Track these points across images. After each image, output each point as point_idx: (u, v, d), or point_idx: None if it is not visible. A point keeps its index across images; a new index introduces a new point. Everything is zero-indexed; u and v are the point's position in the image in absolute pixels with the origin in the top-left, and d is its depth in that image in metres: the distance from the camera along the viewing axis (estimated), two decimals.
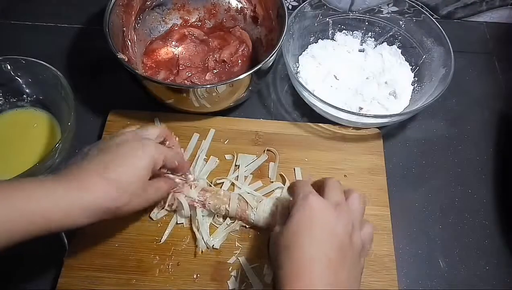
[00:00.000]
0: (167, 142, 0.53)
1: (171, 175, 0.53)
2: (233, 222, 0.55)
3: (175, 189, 0.53)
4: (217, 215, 0.55)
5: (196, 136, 0.62)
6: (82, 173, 0.42)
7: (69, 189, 0.40)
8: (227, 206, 0.53)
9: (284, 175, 0.59)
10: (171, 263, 0.53)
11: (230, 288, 0.51)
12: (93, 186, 0.41)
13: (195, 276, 0.52)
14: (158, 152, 0.46)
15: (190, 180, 0.55)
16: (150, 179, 0.46)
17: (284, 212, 0.47)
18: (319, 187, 0.46)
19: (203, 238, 0.53)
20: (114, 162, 0.43)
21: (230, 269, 0.52)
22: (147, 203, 0.46)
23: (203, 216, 0.54)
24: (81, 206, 0.40)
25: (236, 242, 0.54)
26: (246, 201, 0.53)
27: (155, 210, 0.55)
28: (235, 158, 0.60)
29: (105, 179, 0.42)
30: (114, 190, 0.42)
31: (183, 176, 0.54)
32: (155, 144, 0.47)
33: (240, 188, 0.57)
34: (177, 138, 0.55)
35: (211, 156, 0.60)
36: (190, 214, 0.55)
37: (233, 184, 0.58)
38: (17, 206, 0.38)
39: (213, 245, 0.53)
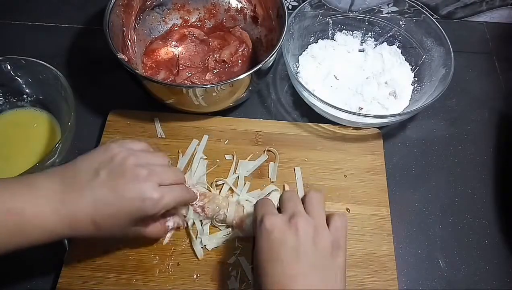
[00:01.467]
0: None
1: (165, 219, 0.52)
2: (231, 232, 0.55)
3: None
4: (215, 220, 0.54)
5: (195, 142, 0.61)
6: (78, 201, 0.42)
7: (60, 215, 0.41)
8: (225, 211, 0.53)
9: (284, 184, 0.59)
10: (171, 263, 0.53)
11: (230, 288, 0.51)
12: (78, 220, 0.42)
13: (195, 276, 0.52)
14: (158, 206, 0.45)
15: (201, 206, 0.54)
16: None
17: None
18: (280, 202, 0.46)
19: (201, 241, 0.53)
20: (108, 206, 0.43)
21: (230, 269, 0.52)
22: (122, 237, 0.48)
23: (201, 221, 0.54)
24: (62, 231, 0.42)
25: (236, 242, 0.54)
26: (243, 208, 0.54)
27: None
28: (235, 158, 0.60)
29: (91, 219, 0.42)
30: (92, 230, 0.43)
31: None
32: (159, 197, 0.44)
33: (239, 195, 0.57)
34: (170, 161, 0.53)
35: (200, 159, 0.60)
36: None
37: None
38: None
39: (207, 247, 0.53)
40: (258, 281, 0.41)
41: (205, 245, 0.53)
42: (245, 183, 0.58)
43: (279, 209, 0.45)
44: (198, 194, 0.53)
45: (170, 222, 0.52)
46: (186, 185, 0.53)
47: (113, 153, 0.45)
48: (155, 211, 0.44)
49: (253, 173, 0.59)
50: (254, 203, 0.47)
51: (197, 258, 0.53)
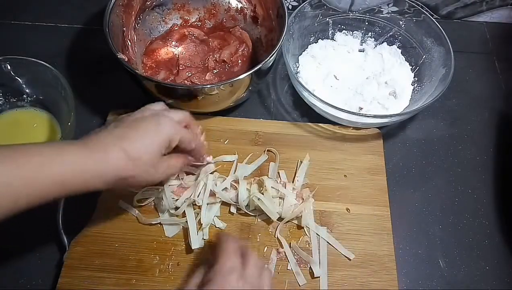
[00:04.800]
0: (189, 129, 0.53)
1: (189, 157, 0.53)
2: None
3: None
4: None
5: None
6: (99, 142, 0.43)
7: (85, 156, 0.41)
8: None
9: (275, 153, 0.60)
10: (171, 263, 0.53)
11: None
12: (107, 154, 0.42)
13: None
14: (174, 131, 0.47)
15: (207, 163, 0.55)
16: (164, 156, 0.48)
17: (204, 274, 0.47)
18: (241, 255, 0.46)
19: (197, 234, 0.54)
20: (129, 135, 0.44)
21: None
22: (157, 178, 0.47)
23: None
24: (95, 172, 0.42)
25: None
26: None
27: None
28: (236, 161, 0.60)
29: (119, 149, 0.43)
30: (126, 160, 0.43)
31: (201, 159, 0.54)
32: (172, 123, 0.47)
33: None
34: (200, 127, 0.55)
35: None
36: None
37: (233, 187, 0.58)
38: (36, 174, 0.39)
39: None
40: None
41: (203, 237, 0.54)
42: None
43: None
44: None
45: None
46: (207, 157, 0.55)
47: (128, 115, 0.48)
48: (172, 132, 0.46)
49: (253, 173, 0.59)
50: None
51: (192, 250, 0.53)
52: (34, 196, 0.39)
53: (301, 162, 0.60)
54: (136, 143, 0.44)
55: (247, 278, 0.44)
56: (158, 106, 0.51)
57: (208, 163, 0.56)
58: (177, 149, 0.49)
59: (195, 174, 0.57)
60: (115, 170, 0.42)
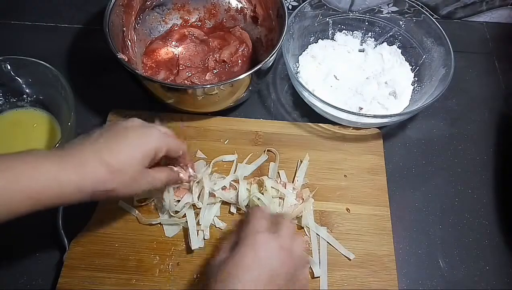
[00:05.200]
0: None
1: (174, 168, 0.52)
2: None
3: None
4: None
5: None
6: (79, 152, 0.42)
7: (61, 170, 0.40)
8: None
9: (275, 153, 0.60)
10: (171, 263, 0.53)
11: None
12: (85, 167, 0.41)
13: (195, 276, 0.52)
14: (161, 142, 0.46)
15: (191, 173, 0.54)
16: (150, 167, 0.46)
17: (234, 239, 0.46)
18: (273, 222, 0.46)
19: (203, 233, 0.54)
20: (113, 146, 0.43)
21: None
22: (138, 190, 0.45)
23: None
24: (72, 185, 0.40)
25: None
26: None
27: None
28: (235, 161, 0.60)
29: (99, 161, 0.41)
30: (105, 173, 0.41)
31: (184, 168, 0.53)
32: (160, 134, 0.46)
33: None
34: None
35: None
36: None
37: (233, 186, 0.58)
38: (4, 186, 0.37)
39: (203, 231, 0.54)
40: (216, 280, 0.40)
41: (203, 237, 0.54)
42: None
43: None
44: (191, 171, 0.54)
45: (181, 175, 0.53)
46: (190, 169, 0.54)
47: (115, 123, 0.47)
48: (159, 143, 0.45)
49: (253, 173, 0.59)
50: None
51: (192, 250, 0.52)
52: (7, 210, 0.38)
53: (301, 162, 0.60)
54: (120, 155, 0.42)
55: (278, 238, 0.43)
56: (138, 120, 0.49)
57: (191, 176, 0.54)
58: (161, 160, 0.49)
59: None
60: (94, 183, 0.41)
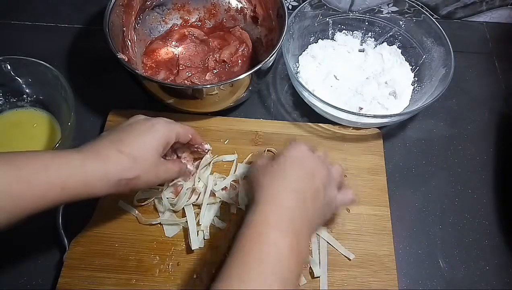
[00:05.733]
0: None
1: (182, 160, 0.56)
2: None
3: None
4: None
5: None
6: (98, 147, 0.44)
7: (86, 159, 0.42)
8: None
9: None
10: (171, 263, 0.53)
11: None
12: (108, 157, 0.43)
13: (195, 276, 0.52)
14: (169, 129, 0.48)
15: (207, 149, 0.57)
16: (163, 158, 0.49)
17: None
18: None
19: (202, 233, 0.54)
20: (127, 138, 0.45)
21: None
22: (157, 179, 0.47)
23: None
24: (97, 176, 0.42)
25: None
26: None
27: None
28: (235, 161, 0.60)
29: (119, 152, 0.43)
30: (127, 162, 0.43)
31: (199, 148, 0.56)
32: (165, 122, 0.49)
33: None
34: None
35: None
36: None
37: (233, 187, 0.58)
38: (35, 176, 0.39)
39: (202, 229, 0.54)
40: (263, 176, 0.45)
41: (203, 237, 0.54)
42: None
43: None
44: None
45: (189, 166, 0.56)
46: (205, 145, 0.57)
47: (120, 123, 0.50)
48: (167, 131, 0.48)
49: None
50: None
51: (192, 250, 0.53)
52: (34, 199, 0.39)
53: None
54: (134, 145, 0.44)
55: (317, 156, 0.49)
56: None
57: (208, 149, 0.57)
58: (174, 148, 0.51)
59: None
60: (119, 171, 0.43)
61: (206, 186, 0.56)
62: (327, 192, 0.47)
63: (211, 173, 0.58)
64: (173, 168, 0.50)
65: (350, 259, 0.53)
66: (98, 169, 0.42)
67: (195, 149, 0.56)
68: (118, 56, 0.56)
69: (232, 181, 0.57)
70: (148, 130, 0.46)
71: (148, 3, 0.69)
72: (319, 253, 0.53)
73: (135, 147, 0.44)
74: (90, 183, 0.41)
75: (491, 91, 0.71)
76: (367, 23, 0.72)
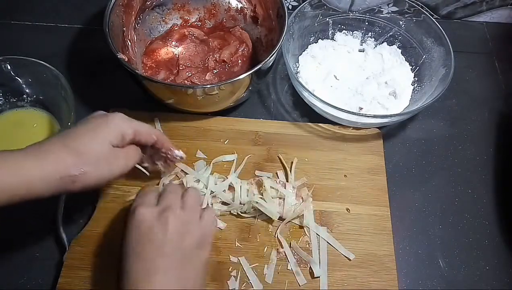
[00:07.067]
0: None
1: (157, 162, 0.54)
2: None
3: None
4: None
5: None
6: (43, 144, 0.42)
7: (25, 159, 0.40)
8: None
9: (283, 162, 0.60)
10: None
11: (230, 288, 0.51)
12: (49, 153, 0.41)
13: None
14: (125, 124, 0.46)
15: (179, 156, 0.53)
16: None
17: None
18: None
19: None
20: (76, 133, 0.43)
21: (230, 269, 0.52)
22: (111, 172, 0.45)
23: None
24: (36, 175, 0.40)
25: (236, 242, 0.54)
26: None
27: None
28: (235, 160, 0.60)
29: (64, 147, 0.41)
30: (70, 158, 0.41)
31: (168, 154, 0.53)
32: (123, 118, 0.46)
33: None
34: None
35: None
36: None
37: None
38: None
39: None
40: (121, 277, 0.41)
41: None
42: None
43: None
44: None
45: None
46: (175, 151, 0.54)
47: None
48: (124, 125, 0.46)
49: (252, 173, 0.59)
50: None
51: None
52: None
53: (297, 161, 0.60)
54: (83, 138, 0.43)
55: (159, 203, 0.45)
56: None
57: (180, 157, 0.54)
58: (149, 154, 0.50)
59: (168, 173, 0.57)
60: (60, 169, 0.40)
61: (207, 186, 0.56)
62: (188, 239, 0.43)
63: (211, 174, 0.58)
64: (134, 153, 0.48)
65: (350, 259, 0.53)
66: (36, 166, 0.39)
67: (164, 155, 0.53)
68: (118, 56, 0.56)
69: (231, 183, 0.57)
70: (100, 124, 0.44)
71: (148, 3, 0.69)
72: (319, 253, 0.53)
73: (82, 141, 0.42)
74: (31, 183, 0.39)
75: (491, 91, 0.71)
76: (367, 23, 0.72)
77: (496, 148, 0.65)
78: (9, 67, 0.60)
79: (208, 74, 0.68)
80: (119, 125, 0.45)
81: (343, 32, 0.73)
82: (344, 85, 0.68)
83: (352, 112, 0.59)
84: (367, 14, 0.71)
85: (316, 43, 0.72)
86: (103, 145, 0.43)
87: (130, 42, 0.66)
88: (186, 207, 0.45)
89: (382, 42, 0.72)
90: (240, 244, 0.54)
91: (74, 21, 0.77)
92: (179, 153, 0.54)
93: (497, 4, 0.76)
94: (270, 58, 0.57)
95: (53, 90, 0.60)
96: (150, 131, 0.49)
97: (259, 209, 0.54)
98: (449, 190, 0.61)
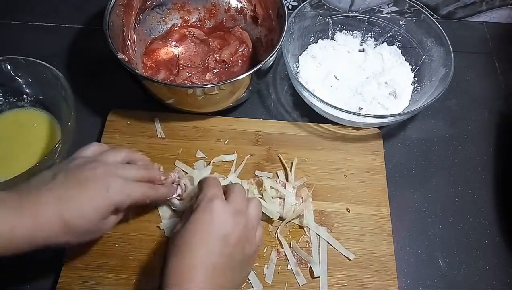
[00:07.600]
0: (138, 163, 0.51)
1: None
2: None
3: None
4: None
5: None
6: (35, 201, 0.41)
7: (15, 218, 0.40)
8: None
9: (283, 162, 0.60)
10: None
11: None
12: (39, 218, 0.40)
13: None
14: (124, 196, 0.45)
15: (176, 193, 0.54)
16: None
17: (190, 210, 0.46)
18: (225, 191, 0.46)
19: None
20: (70, 198, 0.42)
21: None
22: (100, 233, 0.47)
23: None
24: (25, 236, 0.40)
25: None
26: None
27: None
28: (235, 160, 0.60)
29: (56, 213, 0.41)
30: (61, 226, 0.41)
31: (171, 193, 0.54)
32: (123, 187, 0.45)
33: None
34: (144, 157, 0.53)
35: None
36: None
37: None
38: None
39: None
40: (171, 249, 0.42)
41: None
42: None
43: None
44: (178, 189, 0.54)
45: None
46: (165, 181, 0.53)
47: (70, 160, 0.46)
48: (121, 198, 0.44)
49: (252, 173, 0.59)
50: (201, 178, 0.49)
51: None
52: None
53: (297, 161, 0.60)
54: (77, 211, 0.42)
55: (231, 202, 0.44)
56: (95, 147, 0.49)
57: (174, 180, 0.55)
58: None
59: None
60: (47, 236, 0.41)
61: None
62: (247, 249, 0.44)
63: (211, 174, 0.58)
64: (115, 220, 0.47)
65: (350, 259, 0.53)
66: (28, 231, 0.40)
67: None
68: (118, 56, 0.56)
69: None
70: (100, 194, 0.43)
71: (148, 3, 0.69)
72: (319, 253, 0.53)
73: (77, 215, 0.42)
74: (19, 245, 0.40)
75: (491, 91, 0.71)
76: (367, 23, 0.72)
77: (496, 148, 0.65)
78: (9, 67, 0.60)
79: (208, 74, 0.68)
80: (118, 199, 0.44)
81: (343, 32, 0.73)
82: (344, 85, 0.68)
83: (352, 112, 0.59)
84: (367, 14, 0.71)
85: (316, 43, 0.72)
86: (96, 220, 0.43)
87: (130, 42, 0.66)
88: (250, 217, 0.45)
89: (382, 42, 0.72)
90: None
91: (74, 21, 0.77)
92: (174, 176, 0.55)
93: (497, 4, 0.76)
94: (270, 58, 0.57)
95: (53, 90, 0.60)
96: (146, 194, 0.48)
97: None
98: (449, 190, 0.61)
